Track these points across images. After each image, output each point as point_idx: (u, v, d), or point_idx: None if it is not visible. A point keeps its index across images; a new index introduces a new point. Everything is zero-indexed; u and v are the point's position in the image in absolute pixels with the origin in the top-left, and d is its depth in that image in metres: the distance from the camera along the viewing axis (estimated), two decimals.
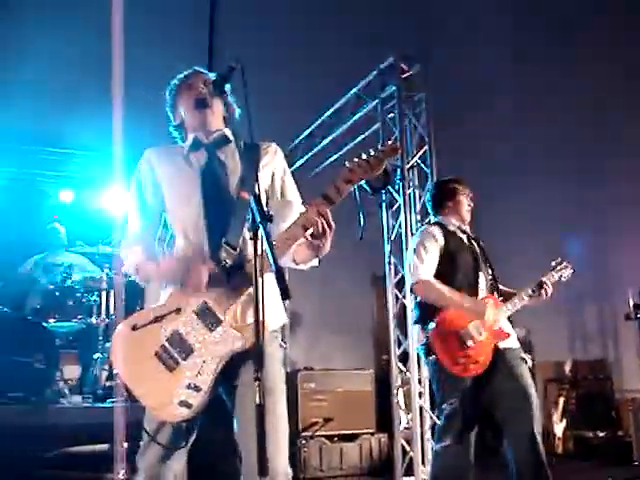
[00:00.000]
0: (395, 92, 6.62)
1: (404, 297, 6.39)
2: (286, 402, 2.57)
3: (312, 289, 8.88)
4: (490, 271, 4.31)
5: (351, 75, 7.22)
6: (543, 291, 4.22)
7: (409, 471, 6.16)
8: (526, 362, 4.14)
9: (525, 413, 3.94)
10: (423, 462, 6.12)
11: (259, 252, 2.12)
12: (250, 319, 2.44)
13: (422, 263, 4.16)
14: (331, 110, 7.57)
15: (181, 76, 2.84)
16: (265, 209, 2.14)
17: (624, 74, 6.94)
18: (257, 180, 2.49)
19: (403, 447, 6.29)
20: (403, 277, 6.40)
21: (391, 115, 6.71)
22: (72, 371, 6.91)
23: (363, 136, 7.08)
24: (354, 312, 8.80)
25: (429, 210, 6.44)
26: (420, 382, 6.29)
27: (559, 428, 7.81)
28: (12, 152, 8.17)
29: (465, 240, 4.34)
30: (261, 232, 2.10)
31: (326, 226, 2.42)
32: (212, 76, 2.68)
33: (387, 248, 6.60)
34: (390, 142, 2.48)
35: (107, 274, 6.80)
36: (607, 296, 6.20)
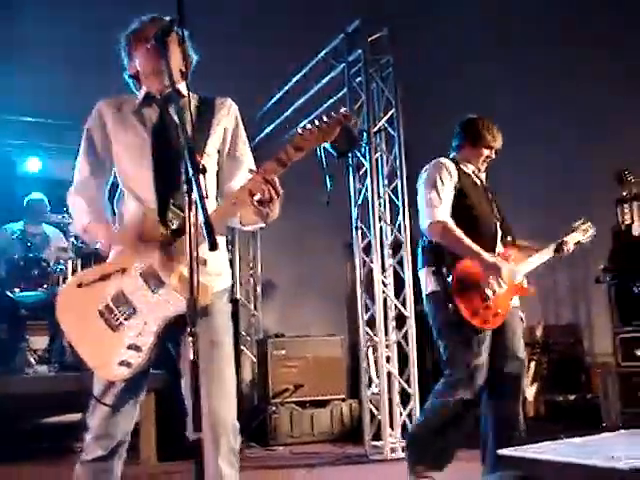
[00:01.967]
0: (361, 56, 6.55)
1: (371, 262, 6.36)
2: (233, 373, 2.58)
3: (285, 256, 8.87)
4: (505, 224, 4.12)
5: (319, 40, 7.13)
6: (563, 251, 4.12)
7: (378, 436, 6.18)
8: (523, 322, 4.10)
9: (519, 377, 3.97)
10: (391, 426, 6.15)
11: (193, 206, 2.07)
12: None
13: (439, 200, 3.85)
14: (298, 76, 7.48)
15: (138, 23, 2.73)
16: (198, 162, 2.09)
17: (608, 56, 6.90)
18: (208, 135, 2.53)
19: (372, 412, 6.31)
20: (370, 242, 6.39)
21: (358, 79, 6.63)
22: (40, 341, 6.87)
23: (331, 101, 6.99)
24: (327, 279, 8.79)
25: (397, 173, 6.50)
26: (388, 347, 6.29)
27: (530, 392, 7.85)
28: None
29: (480, 186, 4.11)
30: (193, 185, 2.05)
31: (273, 193, 2.38)
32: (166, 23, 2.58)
33: (354, 213, 6.56)
34: (343, 109, 2.46)
35: (73, 243, 6.75)
36: (578, 260, 6.19)
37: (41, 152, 8.62)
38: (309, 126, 2.41)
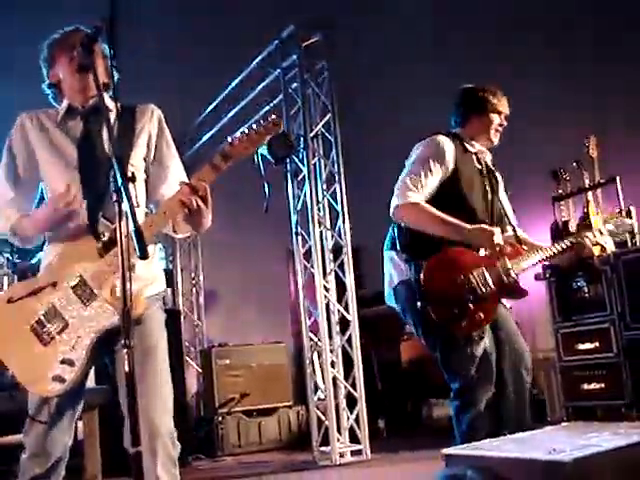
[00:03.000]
0: (296, 61, 6.54)
1: (312, 267, 6.35)
2: (169, 379, 2.55)
3: (227, 265, 8.82)
4: (507, 218, 3.65)
5: (253, 47, 7.11)
6: (582, 248, 3.55)
7: (326, 442, 6.16)
8: (509, 310, 3.60)
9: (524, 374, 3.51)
10: (339, 431, 6.13)
11: (123, 215, 2.04)
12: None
13: (418, 184, 3.36)
14: (234, 83, 7.45)
15: (61, 33, 2.69)
16: (126, 171, 2.05)
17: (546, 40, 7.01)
18: (131, 143, 2.53)
19: (319, 418, 6.29)
20: (310, 247, 6.38)
21: (294, 85, 6.63)
22: None
23: (267, 107, 6.97)
24: (270, 286, 8.78)
25: (336, 178, 6.48)
26: (332, 351, 6.28)
27: None
28: None
29: (481, 170, 3.58)
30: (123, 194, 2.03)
31: (201, 203, 2.38)
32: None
33: (294, 219, 6.54)
34: (273, 117, 2.49)
35: (8, 259, 6.58)
36: None
37: None
38: (238, 134, 2.44)
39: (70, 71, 2.62)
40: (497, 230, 3.30)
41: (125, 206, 1.98)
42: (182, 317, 8.25)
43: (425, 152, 3.47)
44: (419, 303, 3.28)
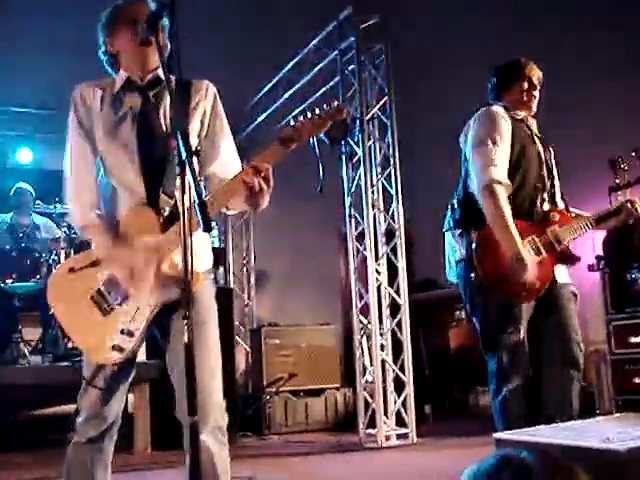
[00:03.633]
0: (354, 43, 6.53)
1: (365, 250, 6.36)
2: (219, 352, 2.56)
3: (278, 246, 8.87)
4: (556, 184, 3.58)
5: (310, 29, 7.11)
6: (629, 212, 3.53)
7: (372, 424, 6.18)
8: (575, 297, 3.51)
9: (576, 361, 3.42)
10: (386, 414, 6.15)
11: (186, 189, 2.05)
12: None
13: (496, 157, 3.32)
14: (290, 64, 7.46)
15: (124, 3, 2.65)
16: (191, 145, 2.06)
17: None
18: (186, 118, 2.49)
19: (366, 400, 6.31)
20: (363, 230, 6.38)
21: (351, 67, 6.62)
22: (33, 332, 6.85)
23: (324, 89, 6.98)
24: (321, 268, 8.80)
25: (391, 161, 6.47)
26: (382, 335, 6.29)
27: None
28: None
29: (531, 136, 3.56)
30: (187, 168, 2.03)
31: (263, 184, 2.38)
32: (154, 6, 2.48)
33: (347, 201, 6.55)
34: (336, 103, 2.48)
35: (65, 232, 6.71)
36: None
37: (32, 143, 8.59)
38: (302, 118, 2.42)
39: (132, 45, 2.58)
40: (531, 273, 3.23)
41: (189, 179, 1.99)
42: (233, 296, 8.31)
43: (490, 124, 3.46)
44: (472, 274, 3.32)
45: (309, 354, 7.30)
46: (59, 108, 7.33)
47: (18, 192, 7.27)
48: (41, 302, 6.90)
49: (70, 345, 6.30)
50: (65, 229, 6.71)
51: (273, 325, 7.66)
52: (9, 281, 6.48)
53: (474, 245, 3.33)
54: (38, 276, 6.58)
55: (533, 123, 3.64)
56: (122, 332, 2.43)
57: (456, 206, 3.51)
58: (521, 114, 3.58)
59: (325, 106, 2.44)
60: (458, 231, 3.46)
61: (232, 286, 8.90)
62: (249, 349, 8.44)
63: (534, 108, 3.63)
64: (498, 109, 3.50)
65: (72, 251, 6.72)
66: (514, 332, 3.35)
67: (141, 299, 2.45)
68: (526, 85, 3.58)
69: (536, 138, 3.58)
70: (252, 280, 9.36)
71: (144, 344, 2.75)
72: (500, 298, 3.32)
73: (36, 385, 6.02)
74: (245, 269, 9.44)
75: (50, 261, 6.64)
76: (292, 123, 2.42)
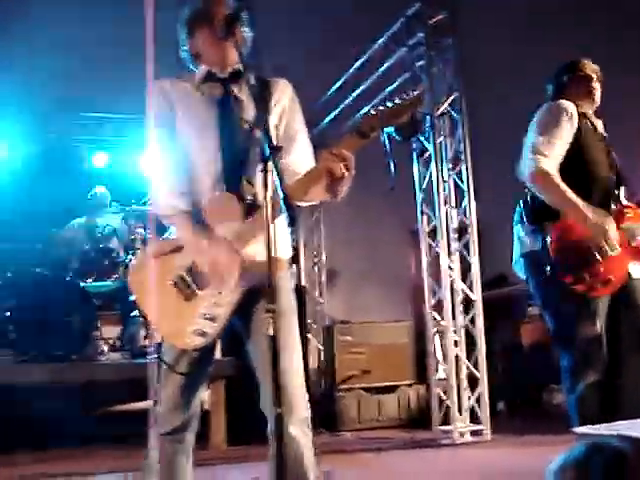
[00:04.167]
0: (423, 39, 6.52)
1: (437, 246, 6.34)
2: (299, 341, 2.57)
3: (349, 243, 8.89)
4: (622, 179, 3.58)
5: (377, 26, 7.10)
6: None
7: (446, 421, 6.17)
8: None
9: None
10: (460, 411, 6.12)
11: (269, 184, 2.09)
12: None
13: (549, 148, 3.37)
14: (359, 62, 7.47)
15: (198, 9, 2.68)
16: (274, 140, 2.11)
17: None
18: (268, 114, 2.52)
19: (440, 397, 6.29)
20: (435, 227, 6.37)
21: (420, 63, 6.61)
22: (111, 330, 7.03)
23: (392, 86, 6.97)
24: (391, 265, 8.79)
25: (461, 157, 6.44)
26: (455, 331, 6.27)
27: None
28: (47, 118, 8.29)
29: (597, 132, 3.59)
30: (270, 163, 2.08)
31: (345, 171, 2.39)
32: (232, 4, 2.57)
33: (419, 197, 6.55)
34: (416, 91, 2.47)
35: (141, 233, 6.87)
36: None
37: (108, 147, 8.81)
38: (382, 107, 2.42)
39: (211, 42, 2.64)
40: (612, 227, 3.31)
41: (273, 174, 2.03)
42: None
43: (551, 114, 3.49)
44: (547, 268, 3.33)
45: (381, 351, 7.29)
46: (133, 112, 7.55)
47: (95, 195, 7.50)
48: (118, 301, 7.11)
49: (147, 342, 6.46)
50: (141, 229, 6.88)
51: (345, 322, 7.68)
52: (89, 280, 6.67)
53: (548, 238, 3.35)
54: (116, 275, 6.75)
55: (599, 123, 3.66)
56: (204, 317, 2.46)
57: (528, 200, 3.52)
58: (586, 108, 3.61)
59: (405, 94, 2.43)
60: (531, 226, 3.47)
61: (304, 284, 8.96)
62: (321, 347, 8.48)
63: (597, 101, 3.67)
64: (568, 104, 3.50)
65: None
66: (591, 326, 3.33)
67: (223, 285, 2.47)
68: (583, 79, 3.65)
69: (600, 132, 3.61)
70: (323, 278, 9.41)
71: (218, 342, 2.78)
72: (575, 291, 3.31)
73: (115, 381, 6.18)
74: (316, 267, 9.50)
75: (127, 261, 6.81)
76: (373, 112, 2.41)
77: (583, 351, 3.35)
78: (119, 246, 7.01)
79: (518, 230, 3.59)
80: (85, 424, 6.37)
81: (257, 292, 2.40)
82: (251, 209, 2.49)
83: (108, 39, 7.37)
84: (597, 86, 3.67)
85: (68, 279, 6.55)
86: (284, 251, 2.63)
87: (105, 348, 6.64)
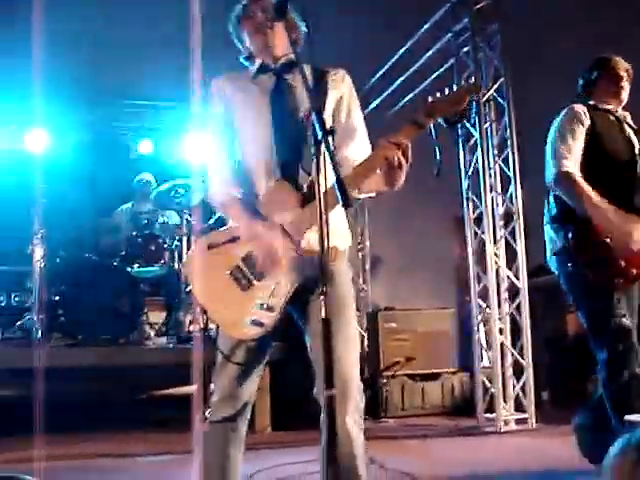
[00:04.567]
0: (468, 24, 6.46)
1: (482, 233, 6.31)
2: (357, 332, 2.60)
3: (393, 230, 8.86)
4: None
5: (424, 11, 7.05)
6: None
7: (490, 409, 6.14)
8: None
9: None
10: (504, 399, 6.10)
11: (322, 168, 2.09)
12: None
13: (568, 151, 3.49)
14: (404, 49, 7.43)
15: (239, 7, 2.74)
16: (326, 123, 2.10)
17: None
18: (323, 100, 2.55)
19: (484, 385, 6.27)
20: (481, 213, 6.33)
21: (465, 49, 6.55)
22: (157, 315, 7.13)
23: (438, 73, 6.93)
24: (435, 252, 8.73)
25: (507, 143, 6.37)
26: (500, 319, 6.23)
27: None
28: (93, 106, 8.39)
29: (619, 125, 3.67)
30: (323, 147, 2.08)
31: (402, 159, 2.38)
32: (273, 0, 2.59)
33: (464, 184, 6.52)
34: (474, 80, 2.50)
35: (187, 220, 6.94)
36: None
37: (153, 134, 8.90)
38: (439, 95, 2.44)
39: (250, 36, 2.70)
40: (637, 229, 3.35)
41: (327, 158, 2.03)
42: None
43: (565, 120, 3.61)
44: (569, 264, 3.44)
45: (426, 338, 7.27)
46: (179, 100, 7.60)
47: (141, 182, 7.60)
48: (164, 287, 7.20)
49: (192, 328, 6.54)
50: (187, 216, 6.95)
51: (390, 309, 7.68)
52: (135, 266, 6.75)
53: (570, 236, 3.44)
54: (162, 261, 6.83)
55: (627, 117, 3.75)
56: (262, 307, 2.46)
57: (552, 201, 3.63)
58: (610, 106, 3.71)
59: (463, 83, 2.48)
60: (556, 225, 3.57)
61: None
62: (364, 333, 8.49)
63: (623, 100, 3.75)
64: (579, 108, 3.63)
65: (193, 237, 6.95)
66: (625, 316, 3.39)
67: (280, 275, 2.48)
68: (613, 78, 3.74)
69: (625, 126, 3.67)
70: (367, 265, 9.41)
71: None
72: (599, 287, 3.40)
73: (161, 365, 6.25)
74: (360, 254, 9.49)
75: (173, 247, 6.89)
76: (431, 99, 2.42)
77: (621, 341, 3.39)
78: (165, 232, 7.08)
79: (547, 230, 3.70)
80: (131, 407, 6.48)
81: (313, 281, 2.38)
82: (307, 198, 2.48)
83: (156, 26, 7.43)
84: (626, 85, 3.77)
85: (116, 264, 6.65)
86: (341, 241, 2.63)
87: (151, 333, 6.74)
